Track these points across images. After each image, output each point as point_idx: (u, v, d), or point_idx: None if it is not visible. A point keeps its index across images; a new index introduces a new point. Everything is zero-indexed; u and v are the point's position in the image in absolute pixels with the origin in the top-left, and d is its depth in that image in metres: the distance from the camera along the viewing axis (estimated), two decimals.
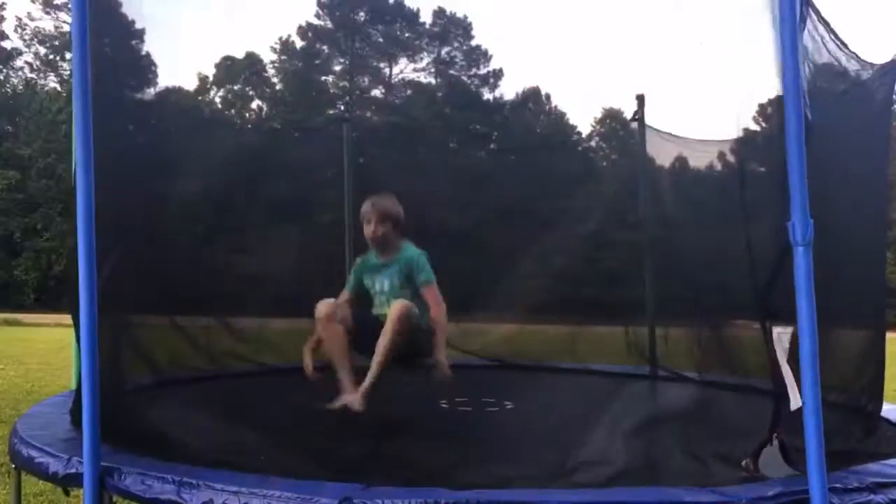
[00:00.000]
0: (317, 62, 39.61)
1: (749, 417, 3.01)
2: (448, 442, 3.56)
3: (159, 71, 5.49)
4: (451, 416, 4.31)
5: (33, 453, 2.92)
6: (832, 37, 3.26)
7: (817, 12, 3.02)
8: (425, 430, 3.85)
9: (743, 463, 2.59)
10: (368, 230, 4.10)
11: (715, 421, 3.51)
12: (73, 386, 3.57)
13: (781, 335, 2.52)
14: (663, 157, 6.60)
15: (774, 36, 2.24)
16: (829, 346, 2.69)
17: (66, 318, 3.23)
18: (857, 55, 3.59)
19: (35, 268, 35.88)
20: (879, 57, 3.79)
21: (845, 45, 3.43)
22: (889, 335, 3.74)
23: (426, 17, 38.79)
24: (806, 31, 2.79)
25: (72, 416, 3.34)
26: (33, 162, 36.72)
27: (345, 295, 4.23)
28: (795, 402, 2.39)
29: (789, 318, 2.31)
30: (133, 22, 3.92)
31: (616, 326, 6.82)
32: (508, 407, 4.49)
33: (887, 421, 3.65)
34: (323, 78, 40.14)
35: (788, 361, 2.48)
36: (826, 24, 3.15)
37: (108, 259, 2.78)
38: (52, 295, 33.23)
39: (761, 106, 3.22)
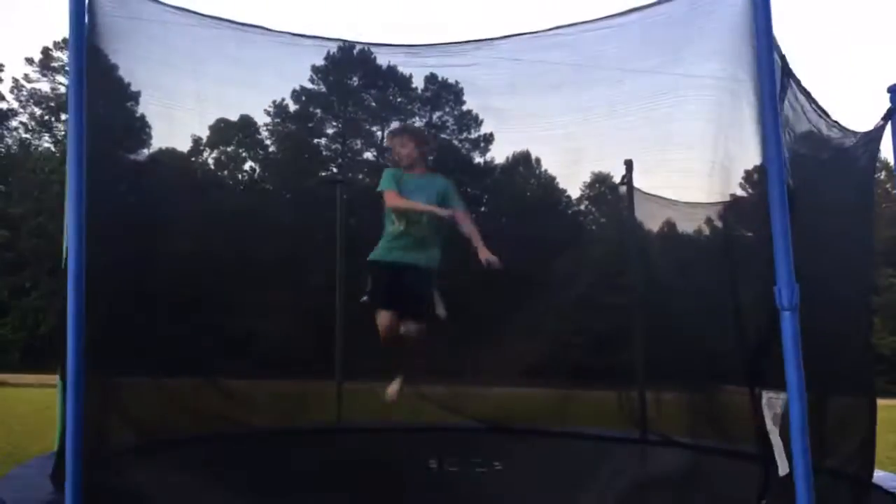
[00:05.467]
0: (310, 125, 40.01)
1: (739, 483, 2.99)
2: (436, 501, 3.52)
3: (153, 132, 5.54)
4: (440, 476, 4.27)
5: None
6: (813, 106, 3.34)
7: (797, 82, 3.09)
8: (414, 493, 3.81)
9: None
10: (406, 150, 4.45)
11: (705, 486, 3.48)
12: (56, 448, 3.51)
13: (771, 400, 2.52)
14: (652, 220, 6.65)
15: (756, 105, 2.30)
16: (818, 411, 2.69)
17: (50, 379, 3.21)
18: (838, 123, 3.66)
19: (22, 327, 35.54)
20: (861, 125, 3.88)
21: (826, 114, 3.51)
22: (883, 402, 3.73)
23: (418, 83, 39.31)
24: (787, 101, 2.86)
25: (53, 478, 3.29)
26: (24, 221, 36.69)
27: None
28: (783, 468, 2.38)
29: (778, 382, 2.31)
30: (129, 85, 3.98)
31: (607, 391, 6.78)
32: (497, 468, 4.44)
33: (879, 488, 3.63)
34: (316, 140, 40.51)
35: (777, 427, 2.47)
36: (806, 93, 3.23)
37: (97, 319, 2.78)
38: (38, 355, 32.85)
39: (747, 172, 3.28)
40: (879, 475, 3.77)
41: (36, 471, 3.67)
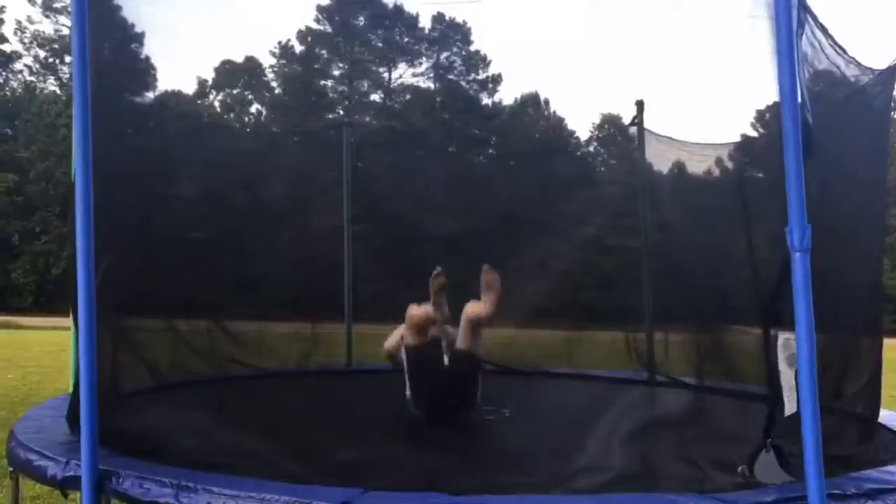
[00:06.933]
0: (316, 66, 39.59)
1: (746, 423, 3.01)
2: (446, 447, 3.56)
3: (158, 75, 5.49)
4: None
5: (31, 456, 2.92)
6: (830, 42, 3.26)
7: (815, 18, 3.02)
8: (423, 435, 3.85)
9: (739, 469, 2.58)
10: None
11: (712, 427, 3.51)
12: (71, 389, 3.56)
13: (788, 341, 2.52)
14: (662, 162, 6.60)
15: (772, 42, 2.24)
16: (826, 353, 2.69)
17: (64, 322, 3.23)
18: (856, 60, 3.58)
19: (33, 271, 35.81)
20: (878, 62, 3.79)
21: (844, 51, 3.43)
22: (888, 341, 3.73)
23: (425, 22, 38.82)
24: (804, 37, 2.79)
25: (69, 419, 3.33)
26: (32, 165, 36.68)
27: None
28: (791, 407, 2.39)
29: (793, 323, 2.30)
30: (133, 25, 3.92)
31: (614, 331, 6.81)
32: (507, 413, 4.48)
33: (885, 427, 3.65)
34: (322, 82, 40.12)
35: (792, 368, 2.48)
36: (824, 29, 3.15)
37: (107, 262, 2.78)
38: (50, 298, 33.15)
39: (759, 112, 3.23)
40: (885, 414, 3.79)
41: (52, 412, 3.72)
